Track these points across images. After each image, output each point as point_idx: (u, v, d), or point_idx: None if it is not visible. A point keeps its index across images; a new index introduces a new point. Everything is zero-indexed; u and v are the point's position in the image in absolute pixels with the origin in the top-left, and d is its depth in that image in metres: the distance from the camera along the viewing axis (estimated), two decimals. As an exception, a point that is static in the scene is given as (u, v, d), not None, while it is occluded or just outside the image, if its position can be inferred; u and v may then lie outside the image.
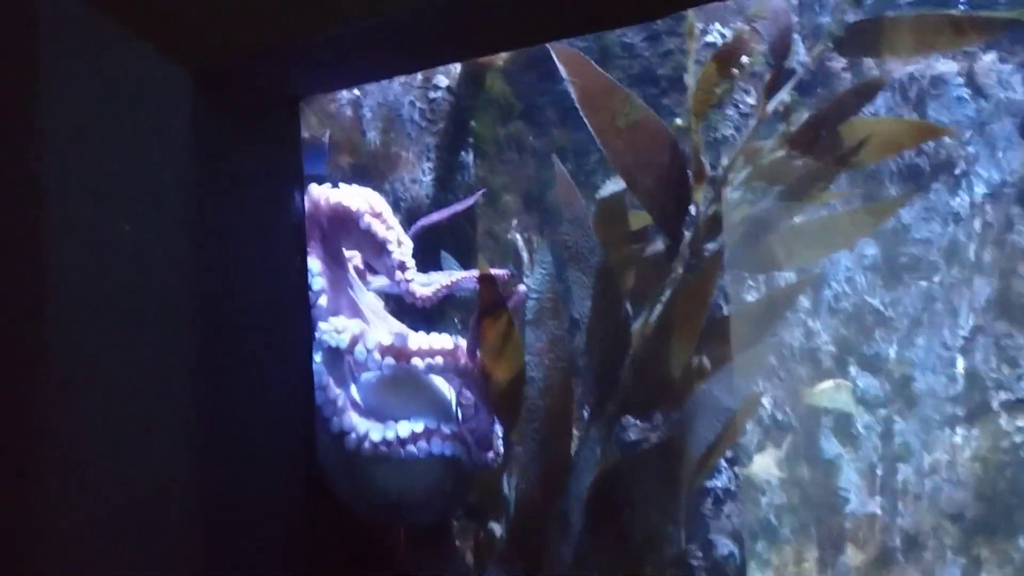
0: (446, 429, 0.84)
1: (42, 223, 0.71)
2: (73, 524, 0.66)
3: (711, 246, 0.86)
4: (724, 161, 0.87)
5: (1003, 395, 1.25)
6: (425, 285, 0.92)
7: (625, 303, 0.88)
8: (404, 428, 0.84)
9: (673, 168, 0.87)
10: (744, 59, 0.81)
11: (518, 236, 1.17)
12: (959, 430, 1.24)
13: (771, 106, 0.84)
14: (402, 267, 0.90)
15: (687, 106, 0.83)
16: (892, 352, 1.28)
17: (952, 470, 1.24)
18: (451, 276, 0.92)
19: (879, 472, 1.26)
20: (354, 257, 1.01)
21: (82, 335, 0.71)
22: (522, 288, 0.93)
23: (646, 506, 0.86)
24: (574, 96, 0.88)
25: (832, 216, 0.90)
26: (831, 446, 1.26)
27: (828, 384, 1.16)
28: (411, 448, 0.83)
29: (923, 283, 1.26)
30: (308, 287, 0.87)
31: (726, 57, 0.83)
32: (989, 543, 1.23)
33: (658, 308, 0.90)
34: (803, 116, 0.83)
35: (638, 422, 0.97)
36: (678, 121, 0.83)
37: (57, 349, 0.69)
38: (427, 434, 0.83)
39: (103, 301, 0.72)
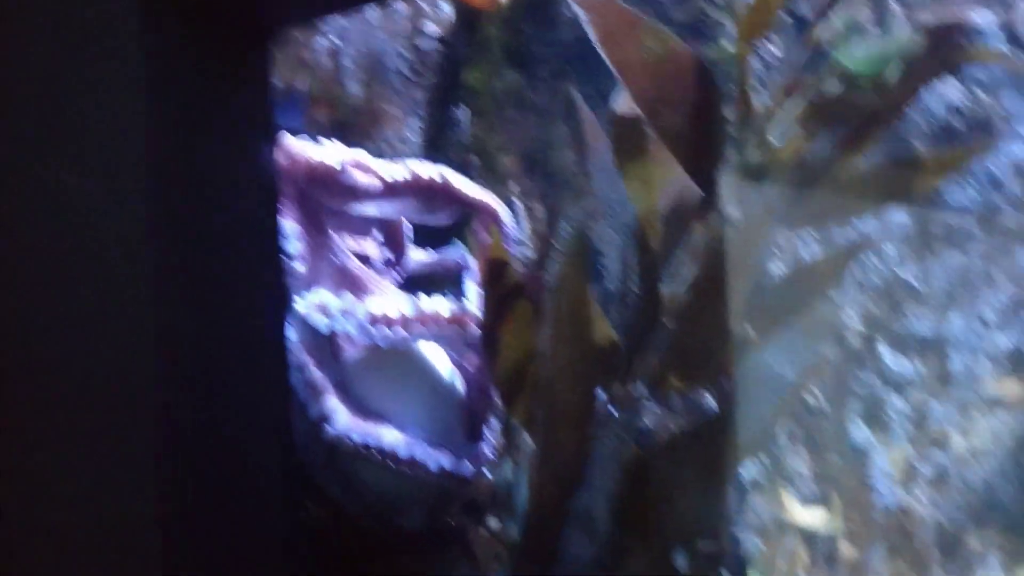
0: (441, 461, 0.79)
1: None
2: (25, 526, 0.61)
3: (754, 197, 0.75)
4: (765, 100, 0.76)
5: (1046, 375, 1.16)
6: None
7: (656, 263, 0.77)
8: (389, 438, 0.78)
9: (706, 105, 0.76)
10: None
11: (517, 203, 1.06)
12: (1000, 414, 1.15)
13: (823, 32, 0.72)
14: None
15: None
16: (925, 330, 1.17)
17: (993, 458, 1.14)
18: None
19: (913, 461, 1.16)
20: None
21: (11, 310, 0.63)
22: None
23: (686, 498, 0.75)
24: (591, 35, 0.77)
25: (895, 164, 0.78)
26: (860, 432, 1.15)
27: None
28: (391, 462, 0.78)
29: (958, 254, 1.16)
30: (283, 253, 0.80)
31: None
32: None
33: (690, 269, 0.78)
34: (861, 46, 0.71)
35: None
36: (725, 44, 0.72)
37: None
38: (411, 458, 0.79)
39: (40, 269, 0.65)
